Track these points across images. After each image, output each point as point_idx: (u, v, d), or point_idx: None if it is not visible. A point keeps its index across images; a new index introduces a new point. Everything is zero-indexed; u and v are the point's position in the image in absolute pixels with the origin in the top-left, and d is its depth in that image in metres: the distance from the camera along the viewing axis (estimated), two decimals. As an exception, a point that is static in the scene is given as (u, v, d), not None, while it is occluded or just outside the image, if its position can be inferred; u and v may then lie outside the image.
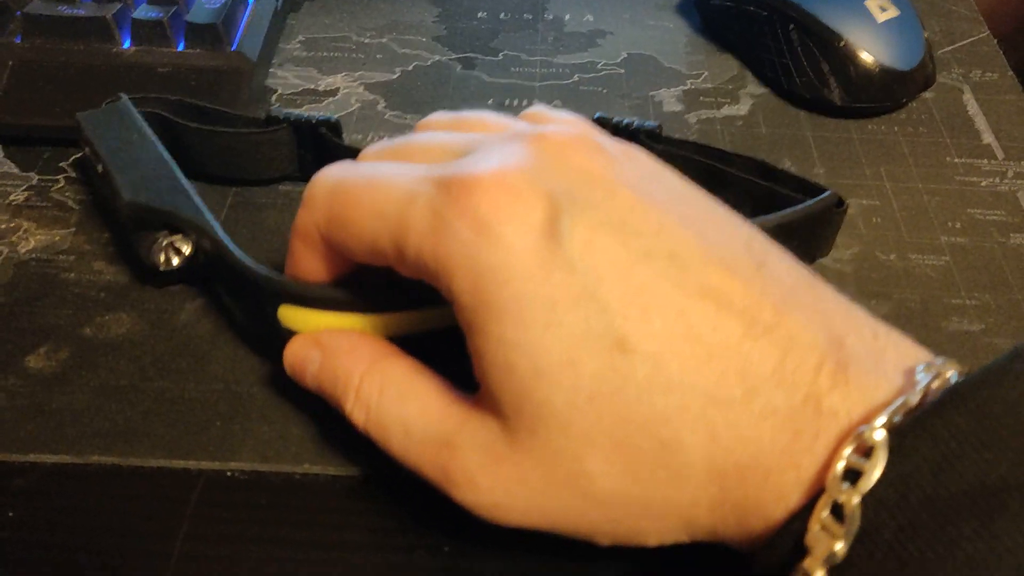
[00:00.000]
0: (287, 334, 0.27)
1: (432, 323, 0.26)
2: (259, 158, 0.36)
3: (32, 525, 0.25)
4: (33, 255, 0.33)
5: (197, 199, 0.30)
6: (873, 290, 0.33)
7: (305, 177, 0.37)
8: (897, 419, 0.18)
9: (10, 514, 0.26)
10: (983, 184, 0.38)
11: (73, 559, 0.25)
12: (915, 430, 0.18)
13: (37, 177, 0.36)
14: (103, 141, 0.33)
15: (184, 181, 0.31)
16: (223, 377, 0.29)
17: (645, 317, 0.20)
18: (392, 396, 0.24)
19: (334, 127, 0.35)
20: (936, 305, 0.33)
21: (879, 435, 0.18)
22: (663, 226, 0.21)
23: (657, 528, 0.21)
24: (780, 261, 0.22)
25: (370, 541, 0.26)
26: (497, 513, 0.22)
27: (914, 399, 0.19)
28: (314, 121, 0.35)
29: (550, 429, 0.20)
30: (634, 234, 0.21)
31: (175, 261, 0.30)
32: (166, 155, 0.32)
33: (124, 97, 0.34)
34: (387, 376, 0.24)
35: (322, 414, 0.28)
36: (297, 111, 0.36)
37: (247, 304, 0.29)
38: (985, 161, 0.40)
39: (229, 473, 0.27)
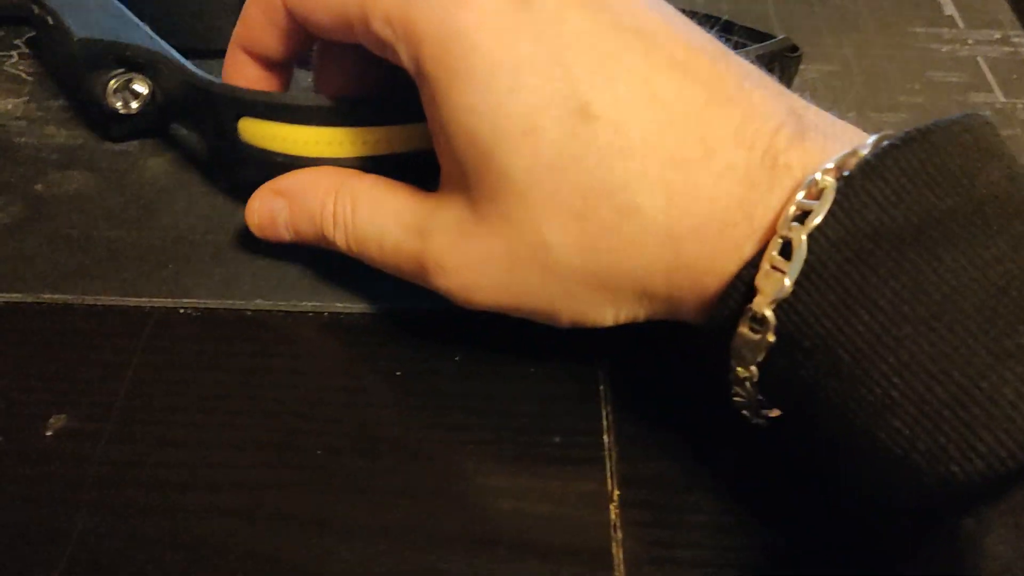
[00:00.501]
0: (251, 153, 0.27)
1: (393, 145, 0.26)
2: (208, 25, 0.35)
3: (-18, 355, 0.25)
4: (-15, 122, 0.33)
5: (151, 32, 0.30)
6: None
7: None
8: (848, 169, 0.19)
9: (-40, 346, 0.26)
10: (944, 50, 0.38)
11: (25, 385, 0.25)
12: (864, 172, 0.18)
13: (-10, 54, 0.36)
14: None
15: (136, 18, 0.31)
16: (175, 226, 0.29)
17: (610, 84, 0.20)
18: (364, 210, 0.24)
19: None
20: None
21: (828, 178, 0.19)
22: (632, 5, 0.21)
23: (614, 301, 0.22)
24: (743, 58, 0.22)
25: (319, 369, 0.26)
26: (467, 295, 0.23)
27: (865, 150, 0.19)
28: None
29: (510, 198, 0.21)
30: (604, 9, 0.21)
31: (134, 104, 0.30)
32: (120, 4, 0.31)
33: None
34: (356, 193, 0.25)
35: (274, 256, 0.28)
36: None
37: (207, 127, 0.29)
38: (946, 30, 0.40)
39: (181, 310, 0.27)
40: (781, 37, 0.31)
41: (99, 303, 0.27)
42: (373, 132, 0.26)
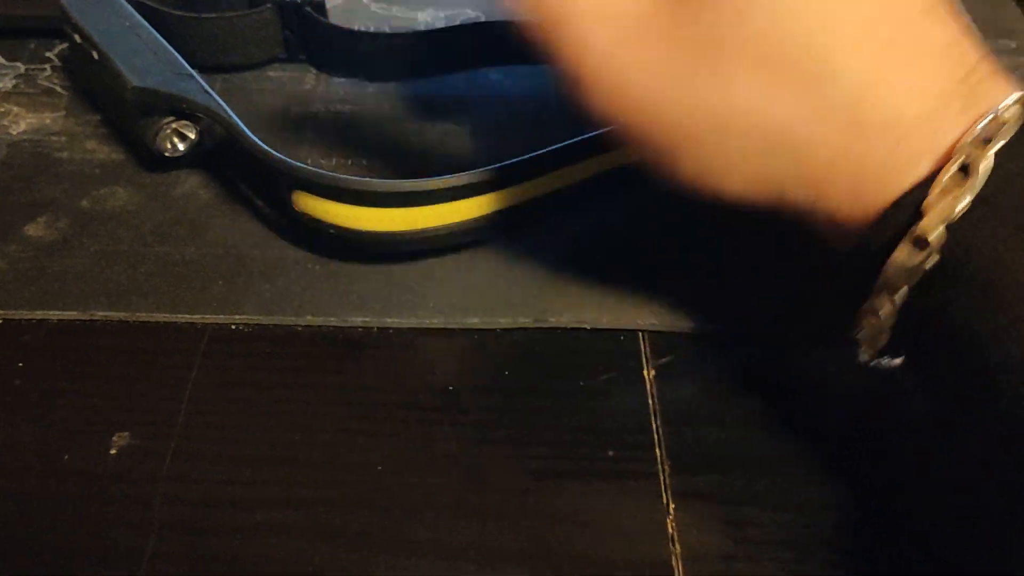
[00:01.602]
0: (303, 220, 0.28)
1: (441, 218, 0.28)
2: (244, 42, 0.36)
3: (43, 373, 0.26)
4: (25, 136, 0.33)
5: (205, 84, 0.30)
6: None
7: (292, 59, 0.37)
8: None
9: (20, 364, 0.26)
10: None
11: (86, 403, 0.25)
12: None
13: (24, 67, 0.36)
14: (95, 27, 0.33)
15: (188, 66, 0.31)
16: (222, 242, 0.29)
17: None
18: None
19: (319, 6, 0.35)
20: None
21: (1016, 108, 0.19)
22: None
23: (762, 164, 0.21)
24: None
25: (372, 384, 0.26)
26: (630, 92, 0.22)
27: None
28: (299, 0, 0.35)
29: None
30: None
31: (181, 147, 0.30)
32: (164, 40, 0.32)
33: None
34: None
35: (322, 274, 0.29)
36: None
37: (259, 188, 0.30)
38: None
39: (234, 327, 0.27)
40: None
41: (152, 320, 0.27)
42: (423, 211, 0.27)
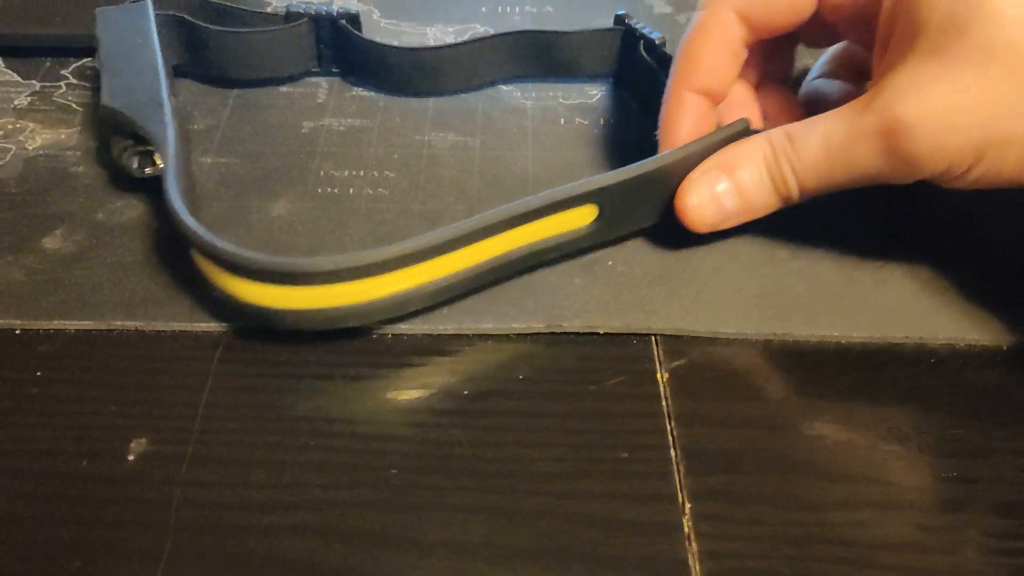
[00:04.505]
0: (198, 277, 0.27)
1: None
2: (280, 55, 0.36)
3: (61, 382, 0.26)
4: (41, 151, 0.34)
5: (169, 118, 0.30)
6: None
7: (325, 72, 0.37)
8: None
9: (38, 373, 0.26)
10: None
11: (104, 410, 0.25)
12: None
13: (39, 84, 0.37)
14: (108, 40, 0.33)
15: (165, 96, 0.31)
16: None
17: None
18: (799, 129, 0.27)
19: (353, 20, 0.36)
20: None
21: None
22: None
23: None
24: None
25: (385, 388, 0.26)
26: (941, 141, 0.24)
27: None
28: (334, 14, 0.36)
29: (989, 34, 0.23)
30: None
31: (147, 170, 0.30)
32: (161, 65, 0.32)
33: None
34: (784, 126, 0.27)
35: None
36: (316, 4, 0.36)
37: None
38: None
39: (249, 334, 0.27)
40: (738, 120, 0.29)
41: (169, 329, 0.27)
42: (307, 291, 0.26)
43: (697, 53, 0.29)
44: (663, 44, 0.35)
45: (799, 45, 0.33)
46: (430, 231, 0.26)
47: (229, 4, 0.36)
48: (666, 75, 0.31)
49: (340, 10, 0.36)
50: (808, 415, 0.26)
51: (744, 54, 0.30)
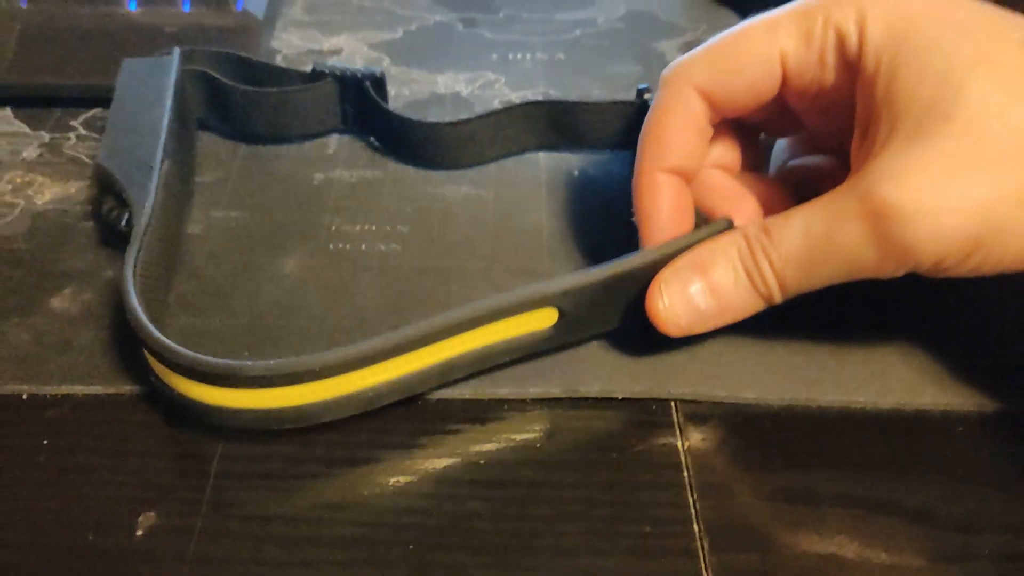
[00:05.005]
0: (147, 369, 0.26)
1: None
2: (304, 113, 0.36)
3: (68, 449, 0.25)
4: (50, 206, 0.33)
5: (153, 186, 0.29)
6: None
7: (348, 130, 0.37)
8: None
9: (45, 441, 0.26)
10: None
11: (112, 479, 0.25)
12: None
13: (48, 136, 0.37)
14: (122, 94, 0.33)
15: (157, 161, 0.30)
16: (247, 312, 0.29)
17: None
18: (777, 222, 0.25)
19: (378, 82, 0.35)
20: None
21: None
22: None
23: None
24: None
25: (400, 457, 0.26)
26: (936, 225, 0.23)
27: None
28: (359, 75, 0.35)
29: (972, 118, 0.23)
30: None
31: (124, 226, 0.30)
32: (166, 127, 0.32)
33: (176, 51, 0.35)
34: (758, 221, 0.26)
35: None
36: (341, 64, 0.36)
37: None
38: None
39: (260, 399, 0.27)
40: (721, 219, 0.28)
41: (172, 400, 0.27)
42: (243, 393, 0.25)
43: (663, 132, 0.28)
44: None
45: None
46: (374, 337, 0.25)
47: (255, 59, 0.36)
48: None
49: (365, 71, 0.35)
50: (835, 487, 0.25)
51: (710, 132, 0.29)
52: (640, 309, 0.27)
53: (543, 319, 0.27)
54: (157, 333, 0.25)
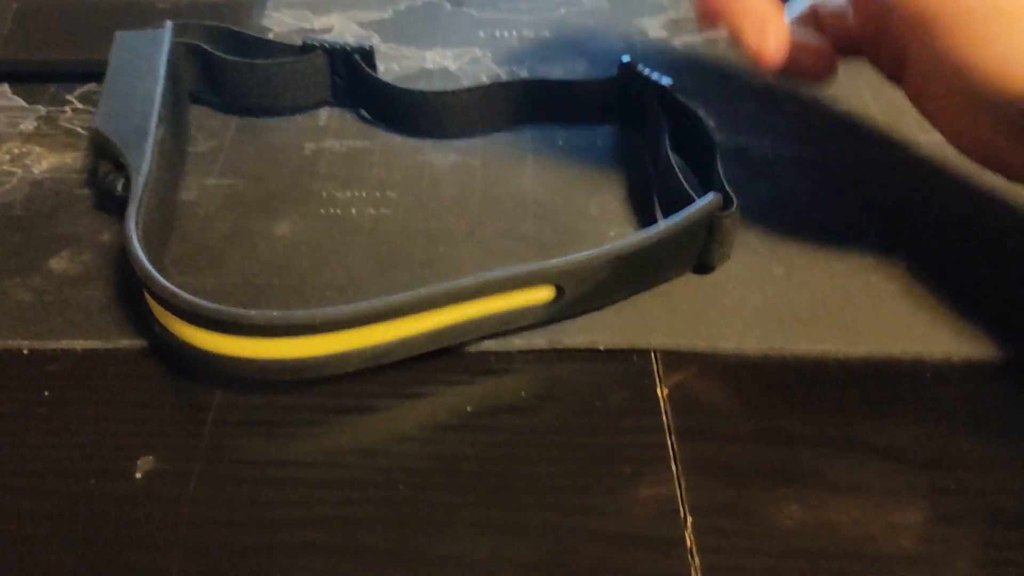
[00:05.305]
0: (147, 316, 0.27)
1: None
2: (295, 86, 0.37)
3: (68, 401, 0.26)
4: (47, 175, 0.34)
5: (149, 148, 0.30)
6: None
7: (340, 103, 0.38)
8: None
9: (46, 393, 0.26)
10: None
11: (111, 429, 0.26)
12: None
13: (45, 109, 0.37)
14: (115, 64, 0.34)
15: (152, 126, 0.31)
16: (240, 271, 0.30)
17: None
18: None
19: (367, 54, 0.36)
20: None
21: None
22: None
23: None
24: None
25: (391, 407, 0.27)
26: None
27: None
28: (348, 48, 0.36)
29: None
30: None
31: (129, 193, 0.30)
32: (160, 94, 0.32)
33: (168, 24, 0.35)
34: None
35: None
36: (332, 38, 0.37)
37: None
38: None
39: (254, 353, 0.28)
40: (712, 195, 0.29)
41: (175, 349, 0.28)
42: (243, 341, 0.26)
43: None
44: (674, 90, 0.34)
45: None
46: (374, 299, 0.25)
47: (246, 32, 0.37)
48: (678, 122, 0.32)
49: (354, 44, 0.36)
50: (809, 429, 0.26)
51: None
52: (641, 287, 0.28)
53: (540, 295, 0.28)
54: (163, 280, 0.25)
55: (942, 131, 0.29)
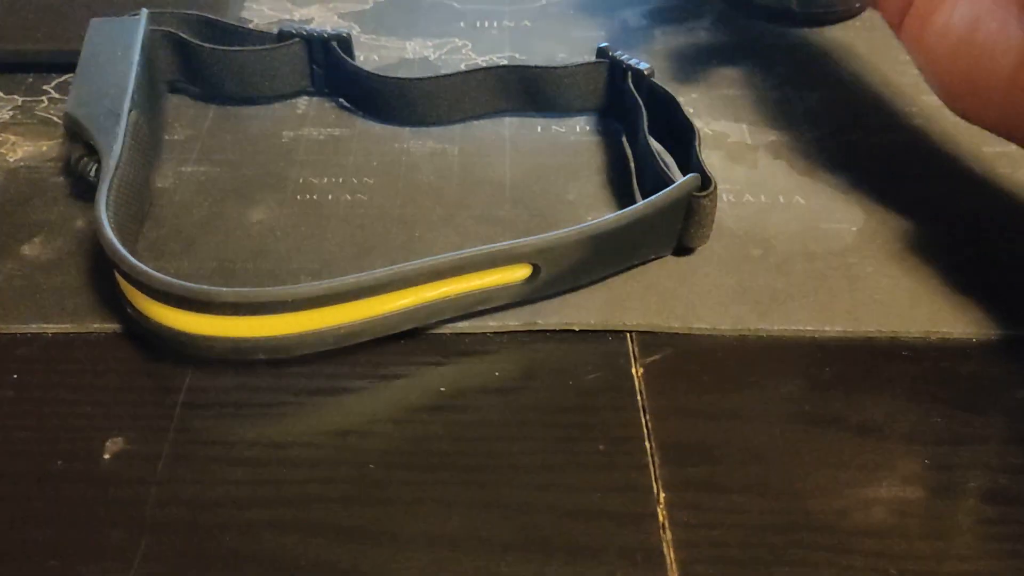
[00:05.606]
0: (120, 296, 0.27)
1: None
2: (273, 74, 0.37)
3: (38, 385, 0.26)
4: (22, 163, 0.34)
5: (121, 131, 0.30)
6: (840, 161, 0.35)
7: (318, 92, 0.38)
8: None
9: (15, 376, 0.26)
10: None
11: (80, 411, 0.25)
12: None
13: (21, 99, 0.37)
14: (89, 50, 0.34)
15: (125, 109, 0.31)
16: (215, 256, 0.30)
17: None
18: None
19: (344, 42, 0.36)
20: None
21: None
22: None
23: None
24: None
25: (364, 387, 0.26)
26: None
27: None
28: (325, 36, 0.36)
29: None
30: None
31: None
32: (133, 79, 0.32)
33: (143, 12, 0.35)
34: None
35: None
36: (309, 26, 0.37)
37: None
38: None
39: (227, 336, 0.28)
40: (690, 176, 0.29)
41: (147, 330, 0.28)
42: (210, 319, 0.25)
43: None
44: (651, 74, 0.34)
45: None
46: (347, 275, 0.25)
47: (222, 20, 0.37)
48: (656, 107, 0.32)
49: (332, 32, 0.36)
50: (784, 407, 0.26)
51: None
52: (619, 266, 0.28)
53: (517, 274, 0.27)
54: (133, 259, 0.25)
55: (939, 84, 0.30)
